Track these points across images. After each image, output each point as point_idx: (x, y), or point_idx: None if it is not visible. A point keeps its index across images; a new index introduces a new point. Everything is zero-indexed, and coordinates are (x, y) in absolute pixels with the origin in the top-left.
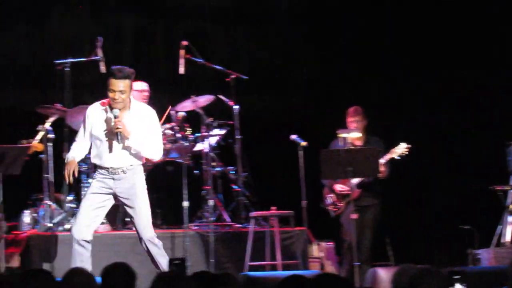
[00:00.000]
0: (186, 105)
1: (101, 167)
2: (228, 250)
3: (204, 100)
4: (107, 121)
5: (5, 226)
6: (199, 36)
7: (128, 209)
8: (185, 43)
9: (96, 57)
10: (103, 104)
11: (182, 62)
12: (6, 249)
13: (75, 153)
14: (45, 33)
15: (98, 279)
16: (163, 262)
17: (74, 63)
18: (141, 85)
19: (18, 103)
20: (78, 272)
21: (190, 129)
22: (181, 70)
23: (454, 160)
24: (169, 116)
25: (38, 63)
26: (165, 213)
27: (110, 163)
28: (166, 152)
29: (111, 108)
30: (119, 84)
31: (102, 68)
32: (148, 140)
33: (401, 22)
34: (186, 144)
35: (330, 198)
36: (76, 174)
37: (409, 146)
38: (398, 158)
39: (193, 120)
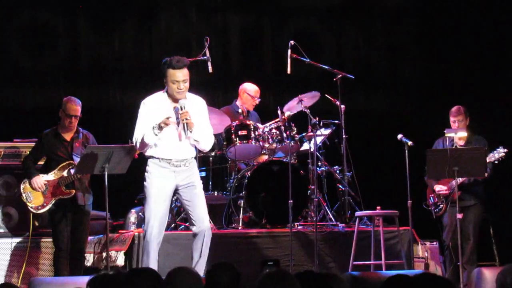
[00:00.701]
0: (293, 105)
1: (162, 159)
2: (332, 249)
3: (310, 98)
4: (170, 112)
5: None
6: (307, 35)
7: (186, 200)
8: (292, 42)
9: (204, 57)
10: (160, 96)
11: (289, 62)
12: (111, 248)
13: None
14: (153, 34)
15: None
16: (207, 253)
17: None
18: (256, 91)
19: (125, 103)
20: (182, 271)
21: (296, 129)
22: (289, 70)
23: None
24: (276, 115)
25: (145, 63)
26: (270, 213)
27: (174, 155)
28: (272, 151)
29: (173, 100)
30: (180, 74)
31: (210, 68)
32: (204, 130)
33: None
34: (292, 143)
35: (432, 198)
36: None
37: (506, 150)
38: (496, 162)
39: (299, 119)
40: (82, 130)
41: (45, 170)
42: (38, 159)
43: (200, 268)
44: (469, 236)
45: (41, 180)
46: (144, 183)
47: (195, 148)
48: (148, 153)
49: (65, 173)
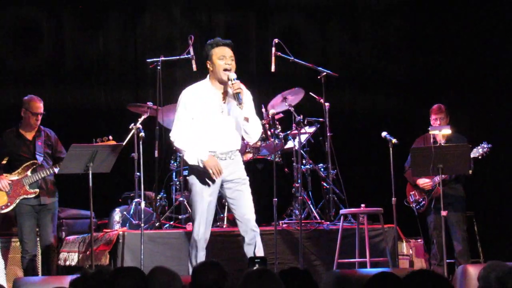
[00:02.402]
0: (277, 103)
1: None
2: (317, 247)
3: (294, 95)
4: (216, 101)
5: None
6: (291, 33)
7: (230, 198)
8: (276, 40)
9: (188, 55)
10: (203, 84)
11: (273, 60)
12: (96, 247)
13: (203, 147)
14: (137, 31)
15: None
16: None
17: (166, 61)
18: None
19: (110, 101)
20: (162, 270)
21: (280, 127)
22: (273, 68)
23: None
24: (260, 114)
25: (130, 61)
26: (254, 211)
27: (219, 147)
28: (257, 149)
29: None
30: (228, 50)
31: (194, 66)
32: (254, 119)
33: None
34: (277, 141)
35: (412, 196)
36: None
37: (491, 145)
38: (480, 157)
39: (284, 117)
40: (44, 128)
41: (9, 169)
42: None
43: None
44: (458, 233)
45: (5, 180)
46: (188, 178)
47: (237, 140)
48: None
49: (29, 173)
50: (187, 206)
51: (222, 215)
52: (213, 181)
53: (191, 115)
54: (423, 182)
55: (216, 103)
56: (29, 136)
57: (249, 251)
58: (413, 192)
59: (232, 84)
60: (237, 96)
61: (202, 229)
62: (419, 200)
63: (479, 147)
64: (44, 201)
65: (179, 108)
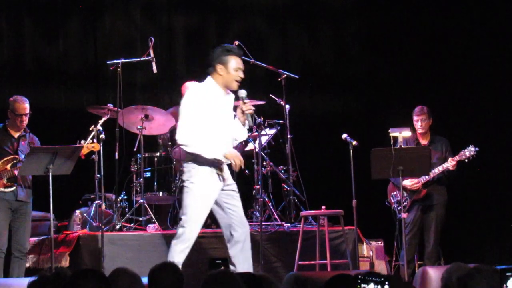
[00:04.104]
0: (237, 104)
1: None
2: (278, 249)
3: (255, 100)
4: (224, 102)
5: None
6: (252, 35)
7: (226, 203)
8: (236, 42)
9: (148, 57)
10: (211, 84)
11: None
12: (56, 249)
13: (220, 146)
14: (98, 34)
15: (145, 279)
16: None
17: (126, 64)
18: None
19: (70, 104)
20: (123, 272)
21: None
22: None
23: (505, 157)
24: None
25: (90, 63)
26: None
27: (221, 156)
28: None
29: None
30: (242, 63)
31: (154, 68)
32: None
33: (459, 16)
34: (236, 143)
35: (394, 196)
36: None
37: (477, 148)
38: (467, 160)
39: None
40: (31, 134)
41: None
42: None
43: None
44: (432, 235)
45: None
46: (187, 185)
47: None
48: (198, 151)
49: (8, 167)
50: (148, 208)
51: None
52: (217, 186)
53: (200, 115)
54: (410, 183)
55: (221, 107)
56: (15, 134)
57: (244, 256)
58: (395, 193)
59: (244, 103)
60: (248, 117)
61: (198, 229)
62: (401, 201)
63: (465, 150)
64: (21, 197)
65: (187, 109)
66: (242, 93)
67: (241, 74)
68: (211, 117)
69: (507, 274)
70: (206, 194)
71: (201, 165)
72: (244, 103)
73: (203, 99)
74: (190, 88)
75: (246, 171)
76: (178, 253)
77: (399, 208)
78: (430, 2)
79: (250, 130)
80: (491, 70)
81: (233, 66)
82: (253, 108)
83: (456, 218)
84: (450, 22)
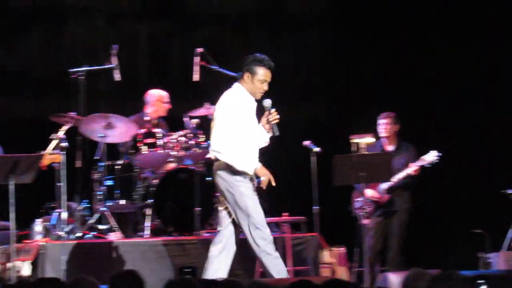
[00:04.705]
0: (200, 112)
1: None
2: (240, 256)
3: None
4: (254, 110)
5: None
6: (216, 42)
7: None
8: (200, 50)
9: (111, 65)
10: (243, 92)
11: (196, 69)
12: (17, 258)
13: (252, 160)
14: (60, 41)
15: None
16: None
17: (88, 71)
18: (167, 96)
19: (32, 112)
20: (82, 281)
21: (204, 136)
22: (196, 77)
23: (466, 163)
24: (183, 123)
25: (52, 71)
26: (177, 220)
27: (252, 171)
28: (179, 159)
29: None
30: (270, 75)
31: (117, 76)
32: None
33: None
34: (200, 151)
35: (358, 202)
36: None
37: (440, 154)
38: (429, 166)
39: (207, 127)
40: None
41: None
42: None
43: None
44: (395, 241)
45: None
46: (240, 198)
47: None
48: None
49: None
50: (108, 216)
51: (144, 225)
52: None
53: (236, 123)
54: (372, 194)
55: (251, 113)
56: None
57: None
58: (359, 199)
59: (271, 113)
60: (274, 126)
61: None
62: (364, 207)
63: (427, 155)
64: None
65: (223, 117)
66: (267, 102)
67: (265, 87)
68: (245, 124)
69: (478, 282)
70: (253, 191)
71: (243, 182)
72: (270, 113)
73: (238, 107)
74: (225, 96)
75: (208, 178)
76: (273, 251)
77: (361, 214)
78: (392, 10)
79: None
80: (457, 76)
81: (260, 78)
82: (279, 117)
83: (419, 224)
84: (413, 28)
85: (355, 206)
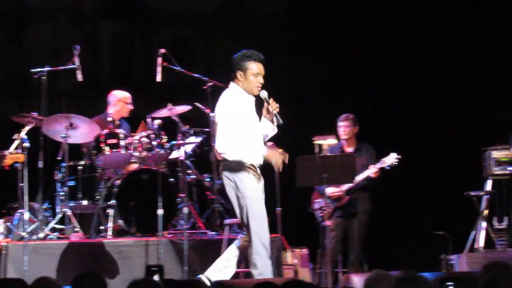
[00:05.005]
0: (163, 113)
1: (252, 166)
2: (202, 257)
3: (181, 108)
4: (253, 109)
5: None
6: (178, 43)
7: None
8: (162, 51)
9: (73, 65)
10: (240, 91)
11: (159, 70)
12: None
13: (257, 149)
14: (22, 41)
15: None
16: None
17: (51, 72)
18: (130, 97)
19: None
20: (45, 281)
21: (166, 137)
22: (158, 77)
23: (428, 166)
24: (145, 123)
25: (15, 71)
26: (139, 221)
27: (259, 160)
28: (142, 159)
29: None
30: (262, 67)
31: (79, 76)
32: None
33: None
34: (162, 151)
35: (318, 203)
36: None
37: (399, 156)
38: (388, 168)
39: (169, 127)
40: None
41: None
42: None
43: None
44: (355, 242)
45: None
46: (243, 194)
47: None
48: (238, 158)
49: None
50: (72, 216)
51: (106, 226)
52: (261, 185)
53: (236, 123)
54: (333, 191)
55: (250, 110)
56: None
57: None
58: (319, 200)
59: (270, 104)
60: (276, 116)
61: (268, 232)
62: (324, 208)
63: (387, 157)
64: None
65: (223, 118)
66: (264, 93)
67: (260, 80)
68: (246, 122)
69: (447, 284)
70: (259, 190)
71: (243, 169)
72: (269, 103)
73: (235, 106)
74: (222, 98)
75: (171, 179)
76: (267, 269)
77: (321, 215)
78: (356, 11)
79: (278, 127)
80: (417, 77)
81: (252, 72)
82: (278, 106)
83: (382, 226)
84: (375, 30)
85: (315, 207)
